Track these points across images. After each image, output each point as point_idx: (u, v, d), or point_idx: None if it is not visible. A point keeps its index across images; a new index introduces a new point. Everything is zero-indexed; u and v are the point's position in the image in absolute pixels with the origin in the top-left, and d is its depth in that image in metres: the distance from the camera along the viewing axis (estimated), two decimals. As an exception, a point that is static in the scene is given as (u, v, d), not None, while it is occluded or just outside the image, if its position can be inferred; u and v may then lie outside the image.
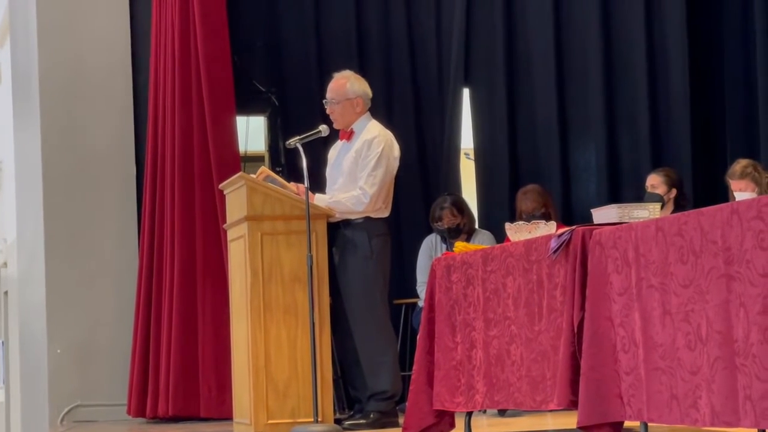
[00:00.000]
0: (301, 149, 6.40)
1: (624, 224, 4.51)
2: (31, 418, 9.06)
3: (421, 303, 7.74)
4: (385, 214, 6.73)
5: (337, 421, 6.45)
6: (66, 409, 8.30)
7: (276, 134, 8.81)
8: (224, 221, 7.02)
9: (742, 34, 8.97)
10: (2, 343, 13.74)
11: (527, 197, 7.97)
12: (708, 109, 9.11)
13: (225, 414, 7.54)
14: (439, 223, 8.03)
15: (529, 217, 7.43)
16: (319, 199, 6.57)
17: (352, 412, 6.81)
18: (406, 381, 6.53)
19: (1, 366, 13.65)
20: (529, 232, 5.25)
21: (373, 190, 6.59)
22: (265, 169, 6.72)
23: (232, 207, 6.73)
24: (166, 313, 8.01)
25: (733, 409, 3.83)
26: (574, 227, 4.73)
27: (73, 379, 8.32)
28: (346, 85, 6.78)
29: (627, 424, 4.56)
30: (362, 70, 7.86)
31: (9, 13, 10.12)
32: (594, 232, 4.61)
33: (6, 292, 13.52)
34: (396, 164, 6.75)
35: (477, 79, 9.03)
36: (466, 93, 9.00)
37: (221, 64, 8.03)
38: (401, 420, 6.12)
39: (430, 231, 8.18)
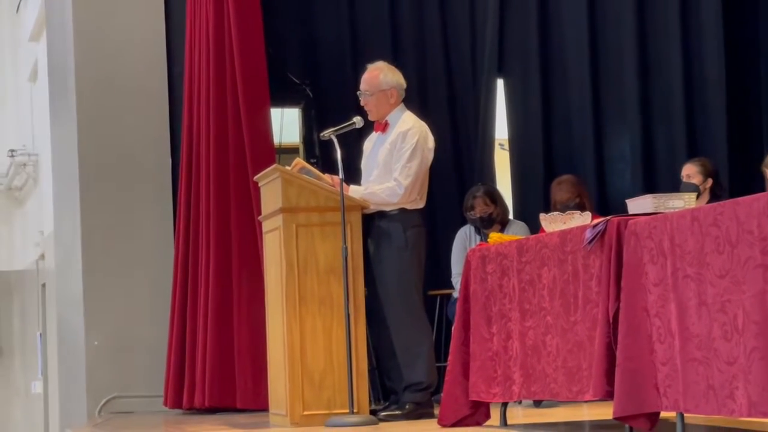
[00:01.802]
0: (335, 141, 6.42)
1: (659, 214, 4.50)
2: (69, 410, 9.11)
3: (455, 294, 7.74)
4: (420, 205, 6.73)
5: (373, 412, 6.47)
6: (103, 401, 8.36)
7: (310, 126, 8.83)
8: (259, 213, 7.04)
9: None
10: (40, 335, 13.82)
11: (562, 187, 7.95)
12: (744, 98, 9.05)
13: (261, 405, 7.56)
14: (472, 212, 8.02)
15: (564, 208, 7.41)
16: (353, 191, 6.58)
17: (387, 403, 6.81)
18: (441, 372, 6.53)
19: (40, 358, 13.74)
20: (564, 223, 5.25)
21: (407, 182, 6.58)
22: (299, 161, 6.74)
23: (267, 199, 6.74)
24: (202, 304, 8.04)
25: (770, 400, 3.82)
26: (609, 217, 4.73)
27: (110, 371, 8.37)
28: (380, 77, 6.76)
29: (663, 414, 4.55)
30: (396, 62, 7.84)
31: (45, 8, 10.18)
32: (629, 222, 4.61)
33: (44, 285, 13.59)
34: (431, 156, 6.74)
35: (511, 70, 9.01)
36: (500, 83, 8.99)
37: (256, 56, 8.05)
38: (437, 411, 6.13)
39: (464, 222, 8.17)
